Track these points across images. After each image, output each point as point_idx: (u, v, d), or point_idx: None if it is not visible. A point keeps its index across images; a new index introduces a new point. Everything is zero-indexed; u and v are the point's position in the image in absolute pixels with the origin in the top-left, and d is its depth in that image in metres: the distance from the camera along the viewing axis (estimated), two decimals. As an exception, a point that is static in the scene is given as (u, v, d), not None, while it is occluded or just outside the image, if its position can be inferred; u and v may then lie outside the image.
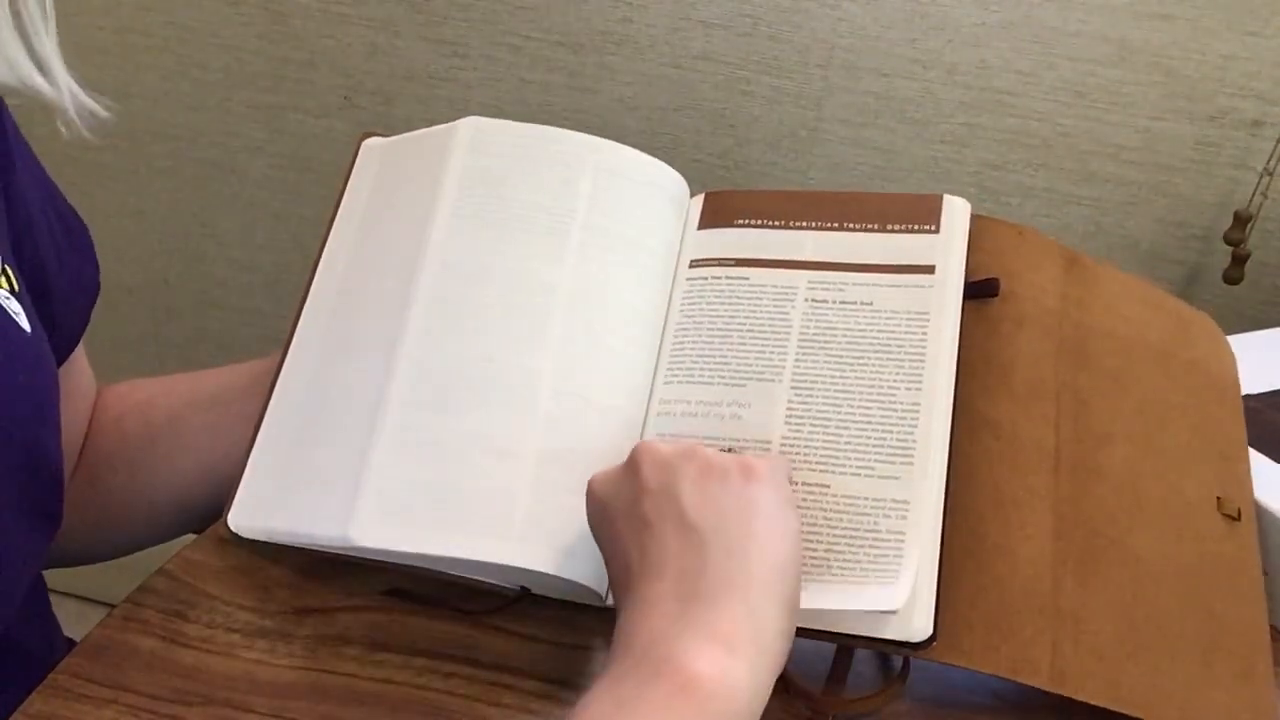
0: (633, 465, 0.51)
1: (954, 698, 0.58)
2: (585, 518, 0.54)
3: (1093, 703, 0.54)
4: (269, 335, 0.64)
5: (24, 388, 0.54)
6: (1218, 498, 0.61)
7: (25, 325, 0.55)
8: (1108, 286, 0.65)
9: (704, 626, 0.44)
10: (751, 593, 0.45)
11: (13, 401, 0.53)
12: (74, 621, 0.68)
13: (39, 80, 0.49)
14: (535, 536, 0.56)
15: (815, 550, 0.55)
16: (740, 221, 0.65)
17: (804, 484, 0.57)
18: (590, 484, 0.53)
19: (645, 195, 0.65)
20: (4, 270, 0.55)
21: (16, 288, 0.55)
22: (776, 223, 0.65)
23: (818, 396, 0.59)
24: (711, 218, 0.66)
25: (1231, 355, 0.67)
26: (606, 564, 0.52)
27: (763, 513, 0.48)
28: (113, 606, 0.59)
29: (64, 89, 0.51)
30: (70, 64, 0.51)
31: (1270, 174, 0.91)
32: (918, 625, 0.53)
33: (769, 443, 0.58)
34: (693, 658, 0.43)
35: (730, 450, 0.54)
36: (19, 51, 0.48)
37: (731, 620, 0.44)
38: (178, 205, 1.19)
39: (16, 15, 0.48)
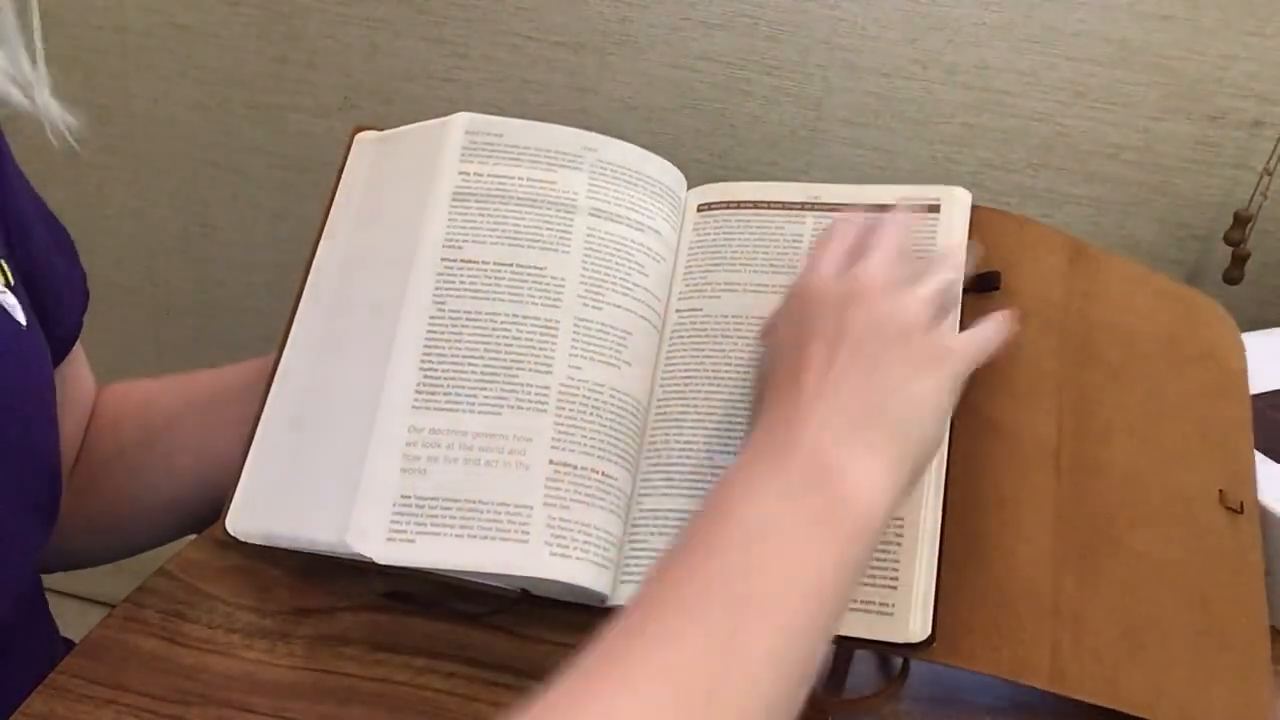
0: (846, 298, 0.53)
1: (954, 698, 0.58)
2: (592, 521, 0.55)
3: (1092, 702, 0.54)
4: (269, 335, 0.64)
5: (19, 380, 0.54)
6: (1220, 490, 0.61)
7: (20, 319, 0.55)
8: (1114, 277, 0.64)
9: (868, 457, 0.48)
10: (910, 451, 0.51)
11: (7, 393, 0.53)
12: (74, 621, 0.68)
13: (18, 97, 0.50)
14: (543, 544, 0.56)
15: None
16: (738, 204, 0.66)
17: None
18: (804, 288, 0.55)
19: (643, 188, 0.65)
20: (0, 266, 0.55)
21: (11, 282, 0.56)
22: (776, 205, 0.65)
23: None
24: (709, 208, 0.67)
25: (1240, 343, 0.66)
26: (772, 358, 0.54)
27: (940, 404, 0.53)
28: (113, 606, 0.59)
29: (40, 105, 0.52)
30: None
31: (1270, 174, 0.91)
32: (915, 627, 0.53)
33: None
34: (854, 479, 0.47)
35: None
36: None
37: (891, 462, 0.49)
38: (178, 205, 1.19)
39: None
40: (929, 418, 0.52)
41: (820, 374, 0.50)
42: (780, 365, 0.53)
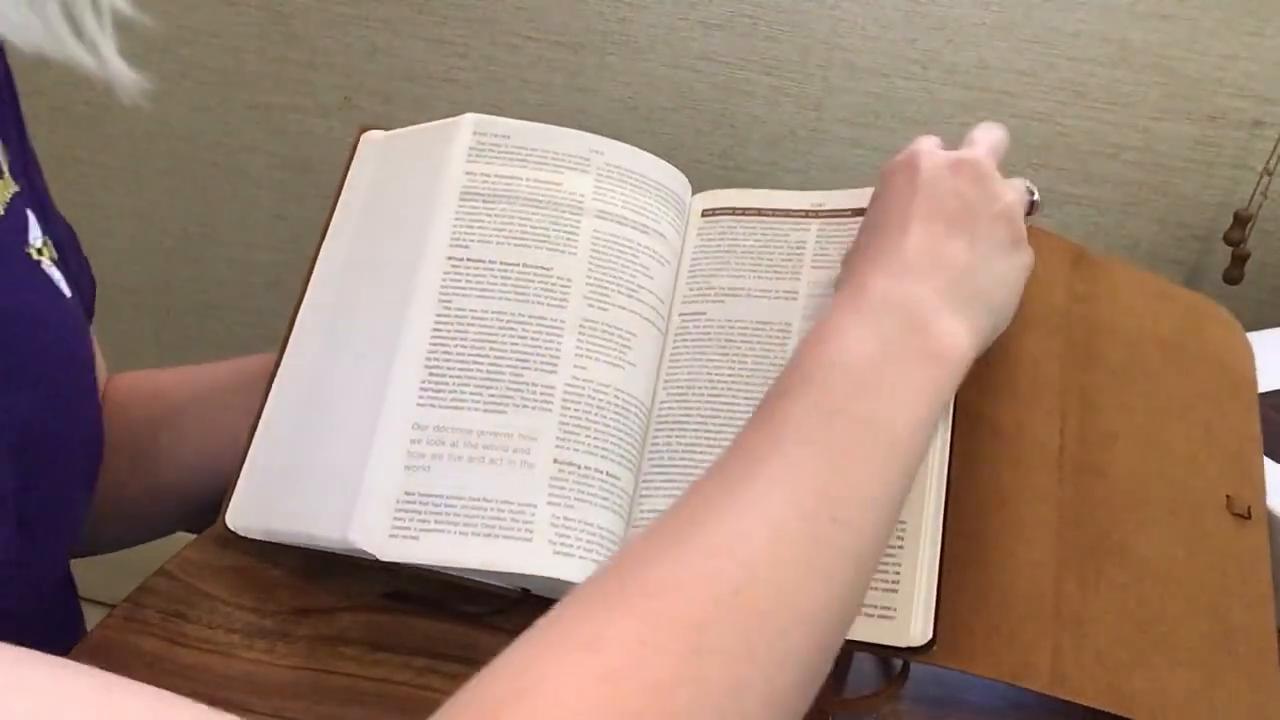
0: (958, 166, 0.55)
1: (954, 698, 0.58)
2: (596, 521, 0.55)
3: (1093, 706, 0.54)
4: (269, 335, 0.64)
5: (69, 348, 0.55)
6: (1227, 496, 0.60)
7: (66, 291, 0.56)
8: (1116, 281, 0.64)
9: (955, 320, 0.51)
10: (986, 325, 0.54)
11: (58, 358, 0.54)
12: (74, 621, 0.68)
13: (82, 56, 0.50)
14: (546, 543, 0.56)
15: None
16: (744, 210, 0.66)
17: None
18: (921, 153, 0.56)
19: (648, 192, 0.65)
20: (45, 242, 0.56)
21: (56, 257, 0.57)
22: (781, 213, 0.65)
23: None
24: (714, 213, 0.67)
25: (1247, 345, 0.66)
26: (873, 203, 0.56)
27: (1020, 286, 0.57)
28: (113, 606, 0.59)
29: (111, 68, 0.52)
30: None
31: (1270, 174, 0.91)
32: (915, 631, 0.52)
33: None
34: (945, 335, 0.50)
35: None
36: (64, 29, 0.48)
37: (972, 331, 0.52)
38: (178, 205, 1.19)
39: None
40: (1011, 297, 0.56)
41: (924, 235, 0.53)
42: (881, 225, 0.55)
